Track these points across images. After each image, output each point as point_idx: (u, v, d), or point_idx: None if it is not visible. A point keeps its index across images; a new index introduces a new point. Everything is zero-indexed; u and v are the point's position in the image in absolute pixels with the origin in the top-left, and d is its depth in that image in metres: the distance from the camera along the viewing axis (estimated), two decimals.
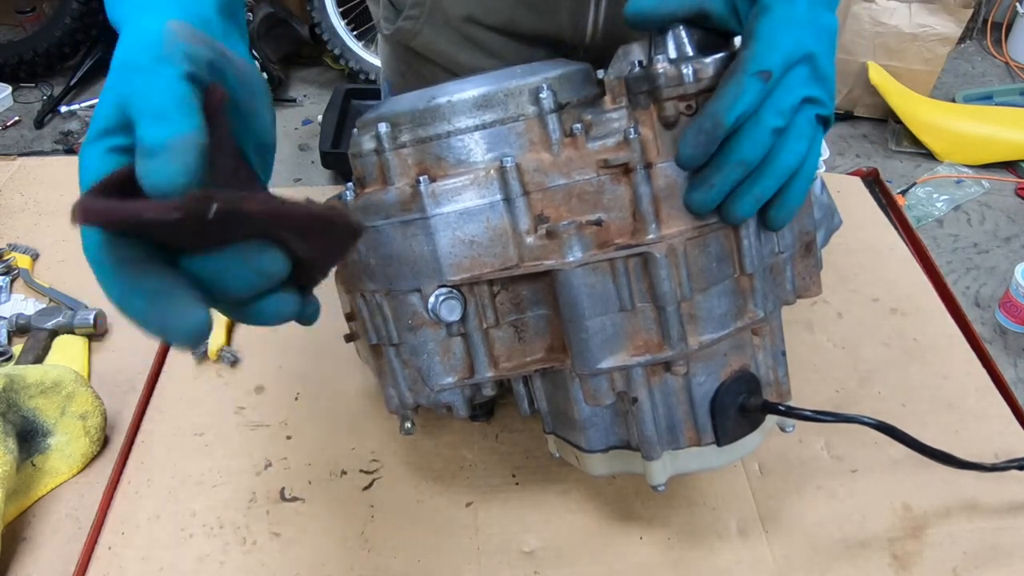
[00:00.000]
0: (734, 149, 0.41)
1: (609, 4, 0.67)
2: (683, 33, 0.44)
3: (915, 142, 2.61)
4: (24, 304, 0.77)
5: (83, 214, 0.29)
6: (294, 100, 2.89)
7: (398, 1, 0.75)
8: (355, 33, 2.82)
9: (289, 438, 0.66)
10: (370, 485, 0.62)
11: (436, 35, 0.73)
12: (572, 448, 0.52)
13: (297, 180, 2.51)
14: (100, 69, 2.91)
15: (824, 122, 0.43)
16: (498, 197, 0.43)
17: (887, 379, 0.71)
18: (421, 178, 0.43)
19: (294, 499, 0.61)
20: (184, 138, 0.29)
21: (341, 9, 2.77)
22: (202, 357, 0.72)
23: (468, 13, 0.70)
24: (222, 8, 0.38)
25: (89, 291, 0.78)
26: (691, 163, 0.42)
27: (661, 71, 0.42)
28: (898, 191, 2.40)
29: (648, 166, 0.42)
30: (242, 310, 0.33)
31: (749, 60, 0.40)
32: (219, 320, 0.73)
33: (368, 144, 0.45)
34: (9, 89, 2.82)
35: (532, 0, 0.68)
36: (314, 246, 0.34)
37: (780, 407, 0.49)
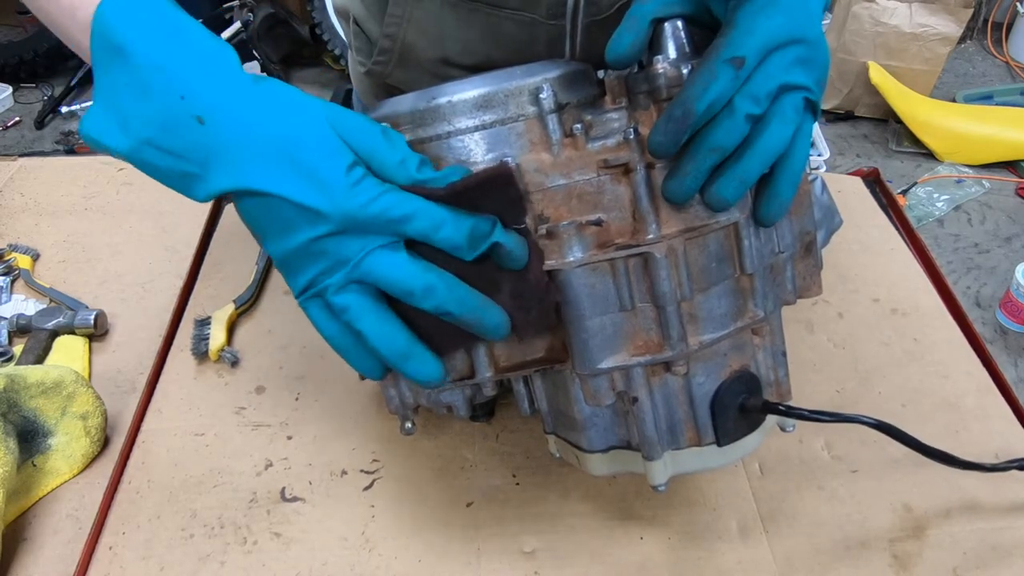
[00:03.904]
0: (706, 136, 0.40)
1: (584, 37, 0.67)
2: (683, 34, 0.44)
3: (915, 142, 2.61)
4: (25, 304, 0.77)
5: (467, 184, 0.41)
6: None
7: (370, 32, 0.73)
8: None
9: (290, 438, 0.66)
10: (371, 485, 0.62)
11: (408, 76, 0.72)
12: (572, 448, 0.52)
13: None
14: None
15: (811, 108, 0.42)
16: None
17: (887, 379, 0.71)
18: None
19: (295, 499, 0.61)
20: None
21: None
22: (203, 357, 0.72)
23: (442, 55, 0.69)
24: None
25: (89, 291, 0.79)
26: (662, 151, 0.41)
27: (661, 71, 0.42)
28: (899, 191, 2.40)
29: (648, 166, 0.42)
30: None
31: (722, 47, 0.39)
32: (220, 320, 0.73)
33: None
34: (10, 89, 2.82)
35: (508, 38, 0.67)
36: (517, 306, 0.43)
37: (780, 407, 0.49)
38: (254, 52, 2.73)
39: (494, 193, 0.41)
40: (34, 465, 0.62)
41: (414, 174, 0.40)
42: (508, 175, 0.41)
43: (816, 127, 2.35)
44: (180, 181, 0.40)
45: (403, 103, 0.45)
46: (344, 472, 0.63)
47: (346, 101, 2.48)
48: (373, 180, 0.39)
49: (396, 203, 0.39)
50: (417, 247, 0.40)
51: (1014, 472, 0.59)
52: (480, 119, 0.43)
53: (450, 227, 0.39)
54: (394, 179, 0.40)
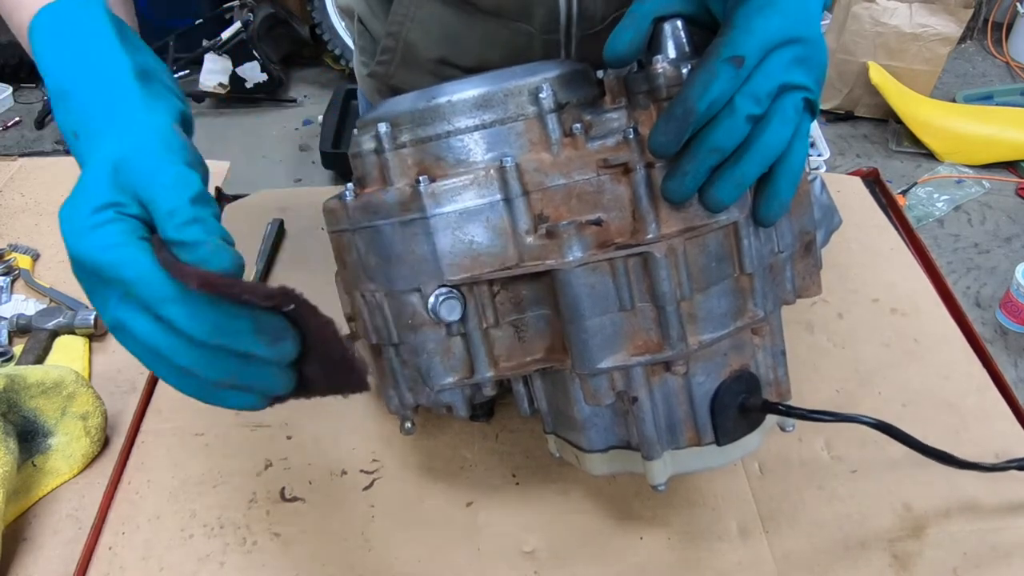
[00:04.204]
0: (706, 136, 0.40)
1: (578, 50, 0.67)
2: (682, 33, 0.44)
3: (915, 142, 2.61)
4: (25, 304, 0.77)
5: (197, 279, 0.35)
6: (294, 100, 2.89)
7: (374, 31, 0.74)
8: None
9: (289, 438, 0.66)
10: (370, 485, 0.62)
11: (410, 75, 0.72)
12: (572, 448, 0.52)
13: (297, 180, 2.51)
14: None
15: (810, 107, 0.42)
16: (498, 197, 0.43)
17: (887, 379, 0.71)
18: (421, 178, 0.43)
19: (294, 499, 0.61)
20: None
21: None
22: None
23: (440, 56, 0.70)
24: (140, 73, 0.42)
25: None
26: (663, 151, 0.41)
27: (660, 71, 0.42)
28: (898, 191, 2.40)
29: (648, 166, 0.42)
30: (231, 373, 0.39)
31: (722, 46, 0.39)
32: None
33: (368, 144, 0.45)
34: (10, 89, 2.82)
35: (505, 45, 0.67)
36: (325, 371, 0.40)
37: (780, 407, 0.49)
38: (254, 52, 2.73)
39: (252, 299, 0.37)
40: (34, 465, 0.62)
41: (170, 232, 0.36)
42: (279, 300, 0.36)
43: (816, 127, 2.36)
44: None
45: (403, 103, 0.45)
46: (344, 472, 0.63)
47: (346, 101, 2.48)
48: (118, 228, 0.36)
49: (120, 262, 0.36)
50: None
51: (1014, 472, 0.58)
52: (480, 118, 0.43)
53: (175, 310, 0.36)
54: (160, 228, 0.37)
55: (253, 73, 2.78)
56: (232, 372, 0.38)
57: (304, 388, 0.41)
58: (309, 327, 0.39)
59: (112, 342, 0.74)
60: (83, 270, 0.38)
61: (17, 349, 0.72)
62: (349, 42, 2.82)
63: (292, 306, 0.36)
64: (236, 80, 2.77)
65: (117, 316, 0.38)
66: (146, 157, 0.38)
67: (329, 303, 0.43)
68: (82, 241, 0.37)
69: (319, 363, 0.40)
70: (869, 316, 0.78)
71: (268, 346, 0.38)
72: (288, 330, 0.39)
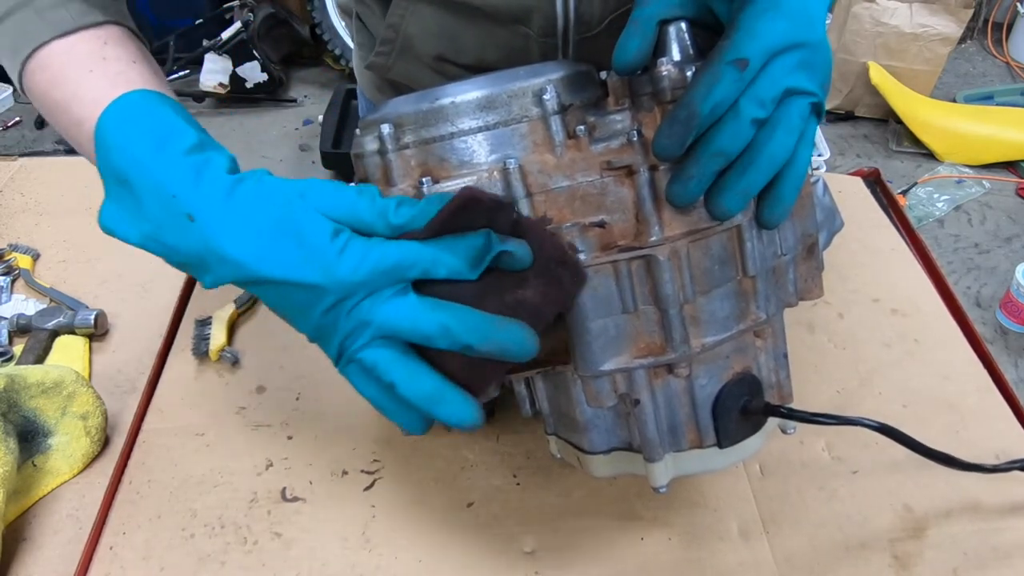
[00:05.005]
0: (711, 140, 0.40)
1: (576, 52, 0.67)
2: (687, 36, 0.44)
3: (916, 142, 2.61)
4: (25, 304, 0.77)
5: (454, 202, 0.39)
6: (294, 100, 2.89)
7: (373, 28, 0.74)
8: None
9: (290, 438, 0.66)
10: (371, 485, 0.62)
11: (408, 69, 0.73)
12: (574, 449, 0.52)
13: None
14: None
15: (817, 112, 0.42)
16: None
17: (888, 379, 0.71)
18: (424, 179, 0.43)
19: (295, 499, 0.61)
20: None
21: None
22: (203, 357, 0.72)
23: (438, 52, 0.70)
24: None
25: (89, 291, 0.79)
26: (666, 154, 0.40)
27: (665, 73, 0.42)
28: (899, 191, 2.40)
29: (652, 168, 0.42)
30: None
31: (726, 49, 0.39)
32: (220, 320, 0.73)
33: (371, 145, 0.45)
34: (10, 89, 2.82)
35: (502, 42, 0.67)
36: (545, 281, 0.41)
37: (782, 409, 0.49)
38: (254, 52, 2.73)
39: (473, 211, 0.40)
40: (34, 465, 0.62)
41: (392, 220, 0.40)
42: (472, 199, 0.39)
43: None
44: (186, 270, 0.43)
45: (406, 104, 0.45)
46: (345, 472, 0.63)
47: (346, 101, 2.48)
48: (358, 241, 0.39)
49: (384, 255, 0.39)
50: (427, 283, 0.40)
51: (1015, 473, 0.58)
52: (483, 120, 0.43)
53: (445, 258, 0.39)
54: (378, 231, 0.40)
55: (253, 73, 2.78)
56: (495, 324, 0.40)
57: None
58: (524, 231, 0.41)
59: (112, 342, 0.74)
60: (350, 290, 0.39)
61: (17, 349, 0.72)
62: (349, 42, 2.82)
63: (517, 214, 0.41)
64: (236, 80, 2.77)
65: (384, 319, 0.39)
66: (322, 188, 0.41)
67: None
68: (343, 263, 0.38)
69: (539, 274, 0.41)
70: (869, 316, 0.78)
71: (515, 246, 0.40)
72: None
